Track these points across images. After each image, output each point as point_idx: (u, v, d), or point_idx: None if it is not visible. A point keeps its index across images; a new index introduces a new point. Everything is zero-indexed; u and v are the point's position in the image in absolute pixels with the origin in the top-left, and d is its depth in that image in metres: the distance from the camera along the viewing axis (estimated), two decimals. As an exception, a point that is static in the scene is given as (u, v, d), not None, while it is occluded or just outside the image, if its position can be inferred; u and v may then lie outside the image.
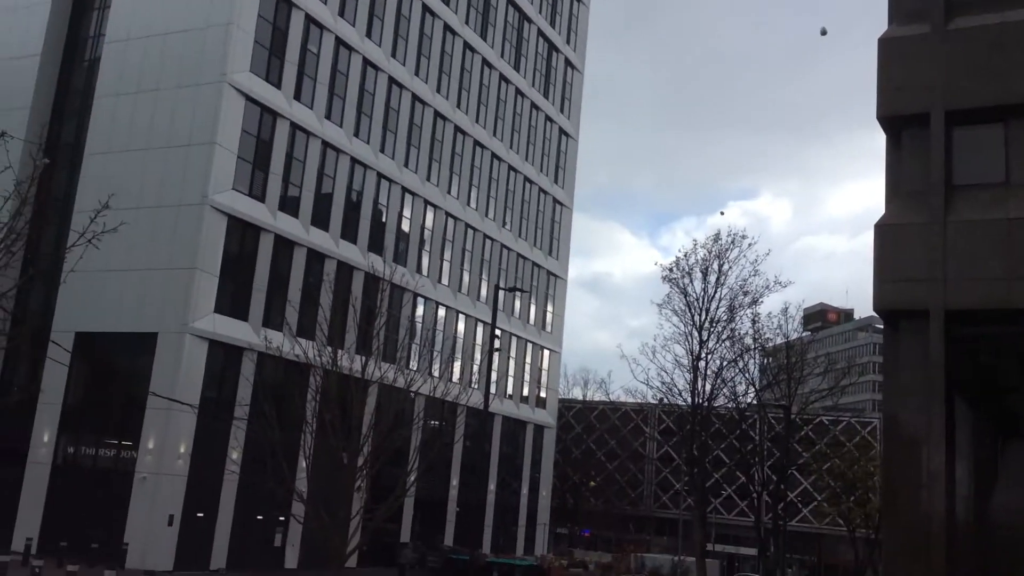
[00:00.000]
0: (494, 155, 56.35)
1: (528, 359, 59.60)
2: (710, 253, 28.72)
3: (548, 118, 62.46)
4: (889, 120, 16.40)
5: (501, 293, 55.01)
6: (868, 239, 15.32)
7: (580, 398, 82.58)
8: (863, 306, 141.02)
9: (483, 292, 54.34)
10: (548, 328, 62.21)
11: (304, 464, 23.88)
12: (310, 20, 41.61)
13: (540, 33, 61.31)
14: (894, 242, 15.24)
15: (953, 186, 15.33)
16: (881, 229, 15.51)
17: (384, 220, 46.94)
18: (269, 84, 39.48)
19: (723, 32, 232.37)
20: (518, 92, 58.88)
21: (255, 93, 38.45)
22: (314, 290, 38.77)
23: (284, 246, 40.09)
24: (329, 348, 20.85)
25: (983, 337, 15.11)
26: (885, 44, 16.47)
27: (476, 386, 42.90)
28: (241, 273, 38.16)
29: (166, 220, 36.85)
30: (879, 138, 18.18)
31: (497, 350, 46.06)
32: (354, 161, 44.46)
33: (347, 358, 21.56)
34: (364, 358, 20.96)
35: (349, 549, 19.74)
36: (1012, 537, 15.37)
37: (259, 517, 37.30)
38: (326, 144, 42.59)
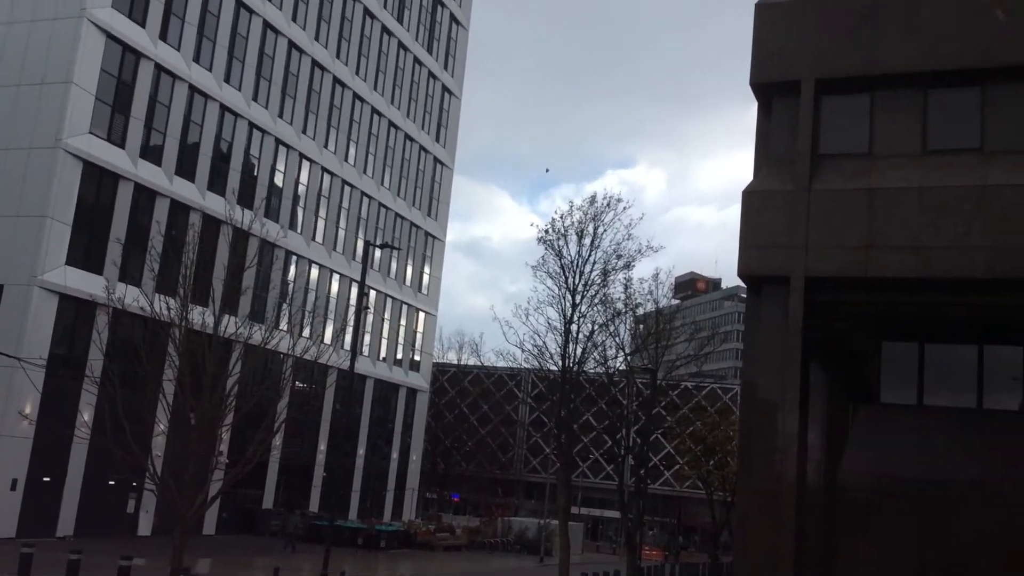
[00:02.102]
0: (374, 110, 54.98)
1: (403, 321, 58.88)
2: (585, 215, 28.67)
3: (431, 74, 61.35)
4: (761, 87, 16.46)
5: (377, 253, 54.02)
6: (737, 211, 15.36)
7: (455, 362, 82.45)
8: (731, 276, 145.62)
9: (359, 251, 53.19)
10: (424, 290, 61.56)
11: (162, 427, 22.69)
12: (179, -44, 39.32)
13: (425, -13, 59.99)
14: (760, 209, 15.33)
15: (820, 155, 15.50)
16: (748, 196, 15.58)
17: (256, 173, 45.16)
18: (132, 22, 37.16)
19: None
20: (401, 46, 57.53)
21: (116, 30, 36.12)
22: (177, 243, 36.93)
23: (145, 196, 38.02)
24: (178, 302, 19.69)
25: (841, 304, 15.41)
26: (761, 9, 16.47)
27: (348, 348, 41.98)
28: (97, 223, 36.00)
29: (16, 164, 34.40)
30: (753, 111, 18.46)
31: (366, 308, 45.21)
32: (224, 108, 42.47)
33: (206, 315, 20.41)
34: (216, 314, 19.83)
35: (195, 513, 18.78)
36: (859, 499, 15.84)
37: (111, 482, 35.58)
38: (194, 89, 40.49)
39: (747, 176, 16.49)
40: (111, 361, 20.68)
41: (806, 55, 15.73)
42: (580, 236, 28.40)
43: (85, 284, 34.56)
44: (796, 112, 15.66)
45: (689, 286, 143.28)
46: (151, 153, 38.51)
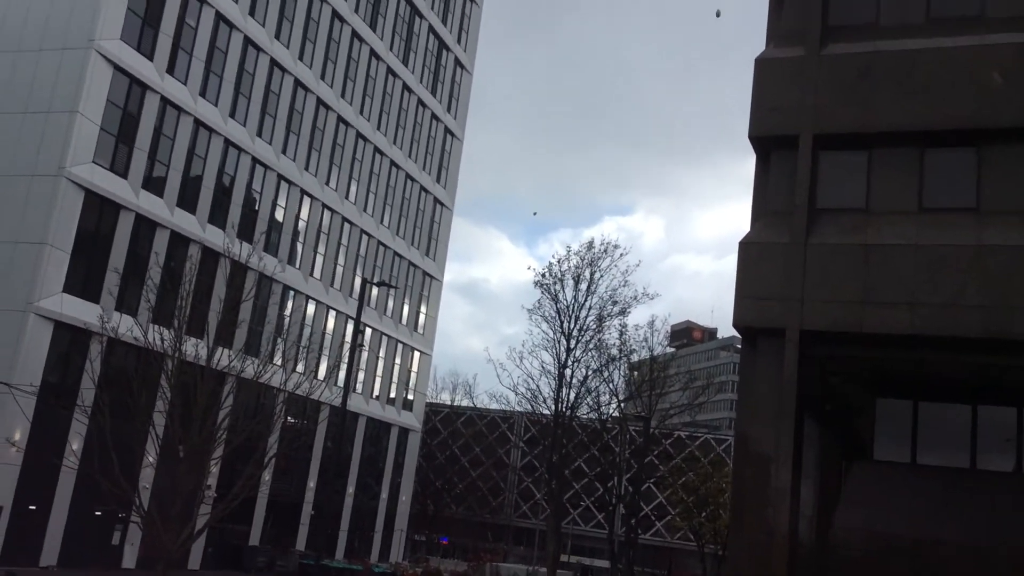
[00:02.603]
0: (377, 149, 55.35)
1: (398, 360, 58.71)
2: (583, 260, 28.84)
3: (434, 116, 61.86)
4: (760, 140, 16.62)
5: (374, 290, 54.05)
6: (734, 261, 15.42)
7: (448, 403, 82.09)
8: (727, 326, 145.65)
9: (356, 288, 53.19)
10: (420, 330, 61.48)
11: (151, 459, 22.53)
12: (190, -8, 39.82)
13: (431, 29, 60.70)
14: (756, 260, 15.40)
15: (816, 209, 15.61)
16: (745, 247, 15.66)
17: (257, 208, 45.32)
18: (141, 54, 37.52)
19: (612, 47, 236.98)
20: (405, 87, 58.08)
21: (124, 62, 36.46)
22: (175, 275, 36.95)
23: (146, 226, 38.10)
24: (172, 334, 19.65)
25: (835, 359, 15.40)
26: (761, 65, 16.68)
27: (342, 385, 41.81)
28: (96, 252, 36.02)
29: (17, 191, 34.51)
30: (751, 163, 18.63)
31: (361, 346, 45.06)
32: (228, 143, 42.74)
33: (200, 347, 20.37)
34: (210, 347, 19.80)
35: (180, 547, 18.59)
36: (851, 556, 15.70)
37: (97, 513, 35.20)
38: (199, 123, 40.78)
39: (744, 226, 16.61)
40: (103, 391, 20.61)
41: (805, 110, 15.90)
42: (577, 281, 28.60)
43: (81, 312, 34.48)
44: (794, 166, 15.80)
45: (685, 335, 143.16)
46: (153, 184, 38.67)
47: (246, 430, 20.94)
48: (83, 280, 35.35)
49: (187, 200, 40.40)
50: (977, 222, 14.96)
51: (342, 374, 44.92)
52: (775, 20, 17.53)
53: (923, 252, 14.64)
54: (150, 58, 37.99)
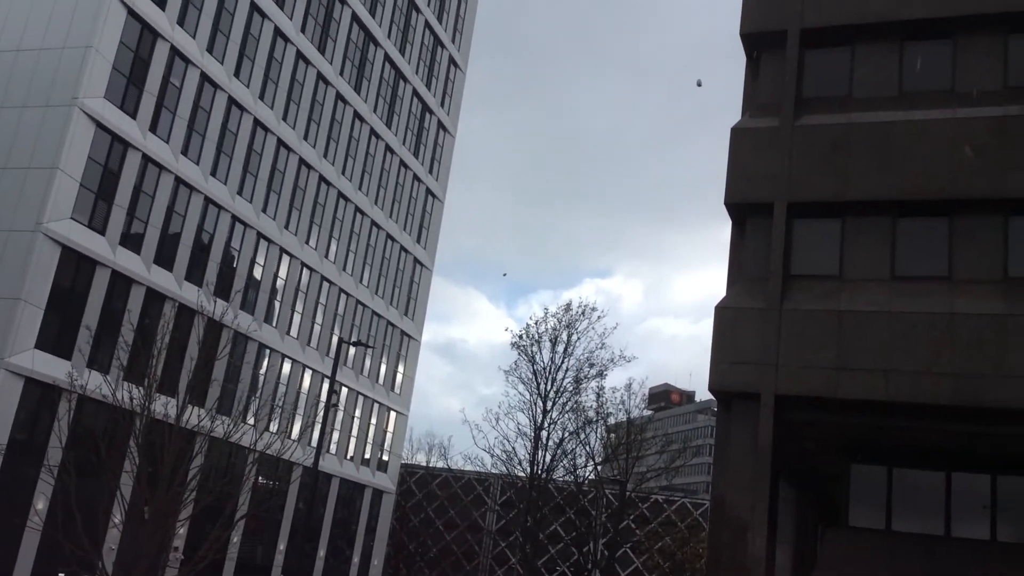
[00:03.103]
0: (358, 209, 55.57)
1: (374, 420, 58.16)
2: (560, 322, 28.92)
3: (416, 177, 62.32)
4: (735, 207, 16.87)
5: (351, 350, 53.74)
6: (711, 324, 15.52)
7: (424, 464, 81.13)
8: (705, 390, 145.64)
9: (333, 347, 52.88)
10: (397, 389, 61.05)
11: (116, 519, 22.06)
12: (175, 52, 40.19)
13: (415, 93, 61.48)
14: (732, 325, 15.51)
15: (791, 275, 15.79)
16: (721, 311, 15.78)
17: (235, 265, 45.19)
18: (124, 113, 37.71)
19: (594, 111, 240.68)
20: (388, 148, 58.58)
21: (107, 120, 36.61)
22: (150, 332, 36.63)
23: (122, 282, 37.86)
24: (141, 392, 19.42)
25: (810, 424, 15.44)
26: (737, 134, 17.02)
27: (314, 445, 41.33)
28: (71, 308, 35.68)
29: (-7, 244, 34.27)
30: (729, 228, 18.95)
31: (335, 406, 44.65)
32: (208, 200, 42.78)
33: (170, 406, 20.12)
34: (179, 405, 19.56)
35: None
36: (827, 625, 15.55)
37: (61, 575, 34.27)
38: (180, 180, 40.84)
39: (721, 291, 16.76)
40: (70, 450, 20.25)
41: (779, 179, 16.19)
42: (554, 343, 28.65)
43: (53, 368, 34.03)
44: (769, 232, 16.03)
45: (663, 397, 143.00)
46: (131, 241, 38.54)
47: (214, 491, 20.59)
48: (56, 336, 34.94)
49: (164, 257, 40.26)
50: (949, 290, 15.18)
51: (316, 434, 44.48)
52: (751, 91, 17.95)
53: (896, 319, 14.81)
54: (133, 116, 38.18)
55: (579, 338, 27.65)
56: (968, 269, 15.29)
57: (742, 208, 16.74)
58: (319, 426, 36.02)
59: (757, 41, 17.94)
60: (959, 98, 16.40)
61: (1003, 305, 14.64)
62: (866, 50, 17.20)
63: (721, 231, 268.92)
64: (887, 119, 16.28)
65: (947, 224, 15.71)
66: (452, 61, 66.57)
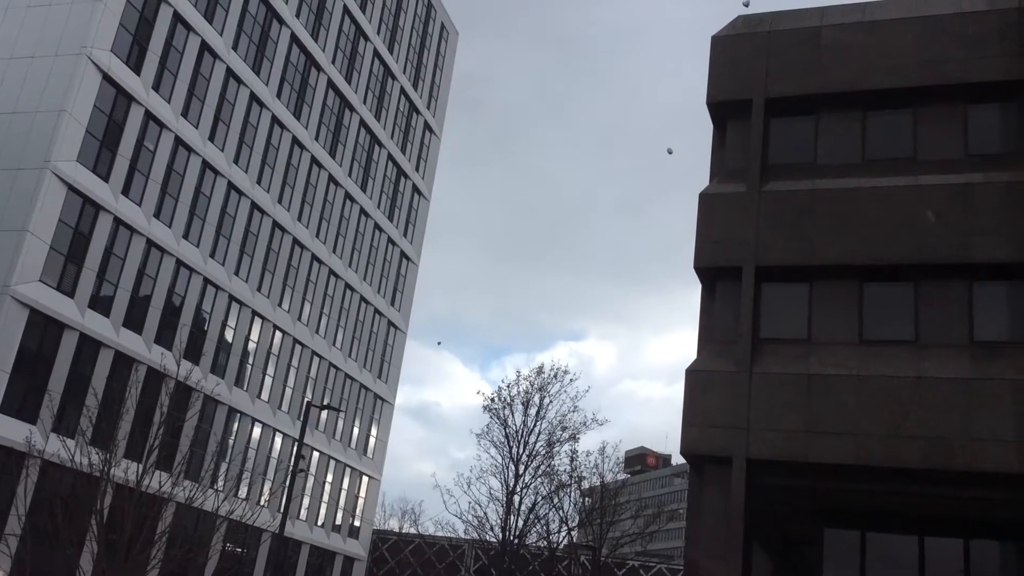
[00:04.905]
0: (332, 271, 55.50)
1: (345, 484, 57.29)
2: (532, 385, 28.82)
3: (391, 240, 62.48)
4: (705, 271, 17.04)
5: (323, 413, 53.16)
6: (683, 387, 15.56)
7: (397, 529, 79.76)
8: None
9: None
10: (370, 454, 60.30)
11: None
12: (150, 117, 40.35)
13: (390, 158, 62.00)
14: (703, 388, 15.54)
15: (760, 339, 15.90)
16: (691, 374, 15.82)
17: (206, 328, 44.82)
18: (96, 176, 37.66)
19: (567, 176, 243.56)
20: (363, 212, 58.79)
21: (79, 183, 36.53)
22: (117, 396, 36.08)
23: (89, 346, 37.40)
24: (101, 458, 19.04)
25: (782, 488, 15.40)
26: (705, 199, 17.27)
27: (284, 511, 40.59)
28: (37, 372, 35.15)
29: (-42, 307, 33.80)
30: (699, 291, 19.12)
31: (302, 471, 43.95)
32: (180, 264, 42.57)
33: (130, 471, 19.72)
34: (141, 470, 19.20)
35: None
36: None
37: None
38: (151, 243, 40.66)
39: (693, 354, 16.82)
40: (28, 518, 19.74)
41: (747, 243, 16.40)
42: (526, 406, 28.49)
43: (16, 433, 33.34)
44: (738, 296, 16.18)
45: (639, 460, 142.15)
46: (101, 304, 38.18)
47: (175, 559, 20.12)
48: (21, 400, 34.33)
49: (134, 320, 39.87)
50: (916, 354, 15.33)
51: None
52: (718, 157, 18.27)
53: (865, 383, 14.91)
54: (106, 179, 38.13)
55: (551, 401, 27.63)
56: (934, 334, 15.48)
57: (711, 272, 16.92)
58: (285, 492, 35.47)
59: (724, 109, 18.32)
60: (921, 165, 16.78)
61: (970, 369, 14.79)
62: (830, 118, 17.62)
63: (693, 295, 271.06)
64: (851, 185, 16.60)
65: (913, 289, 15.94)
66: (427, 127, 67.35)
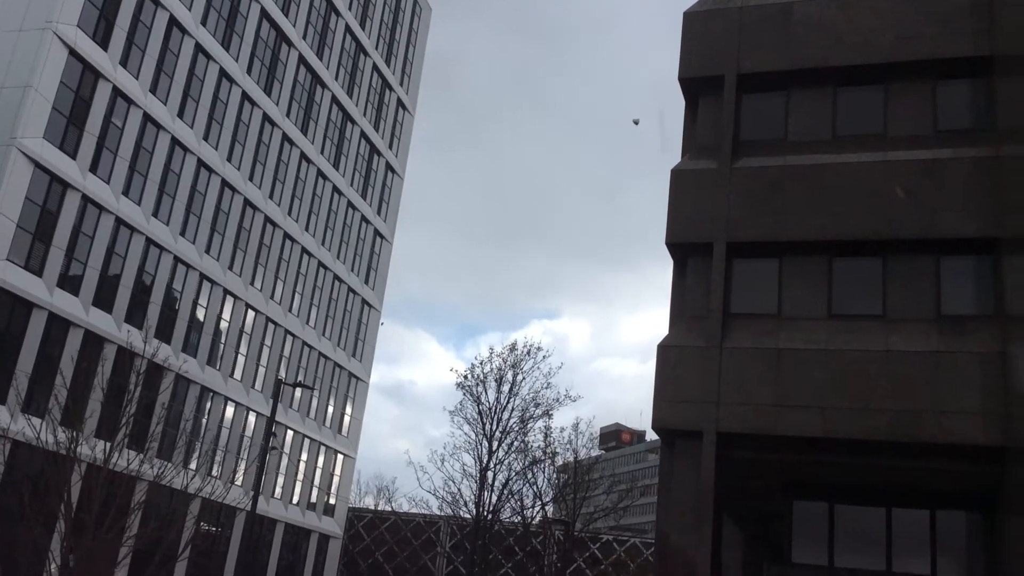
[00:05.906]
0: (305, 250, 55.15)
1: (320, 463, 57.25)
2: (505, 362, 28.86)
3: (364, 219, 62.13)
4: (676, 247, 17.09)
5: (297, 391, 53.00)
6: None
7: (372, 507, 79.97)
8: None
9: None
10: (344, 432, 60.25)
11: (54, 565, 21.31)
12: (118, 93, 39.74)
13: (363, 135, 61.51)
14: (674, 363, 15.63)
15: (731, 314, 16.00)
16: (663, 350, 15.90)
17: (177, 307, 44.45)
18: (64, 153, 37.11)
19: (537, 157, 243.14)
20: (335, 190, 58.38)
21: (46, 160, 35.98)
22: (88, 375, 35.76)
23: (59, 325, 36.99)
24: (65, 432, 18.91)
25: (752, 461, 15.56)
26: (677, 175, 17.29)
27: (260, 489, 40.52)
28: (5, 351, 34.76)
29: (-76, 287, 33.32)
30: (671, 268, 19.21)
31: (273, 449, 43.86)
32: (150, 242, 42.12)
33: (98, 450, 19.59)
34: (108, 448, 19.09)
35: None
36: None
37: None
38: (120, 221, 40.18)
39: (666, 331, 16.89)
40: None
41: (718, 220, 16.46)
42: (499, 383, 28.53)
43: (-15, 414, 32.99)
44: (709, 272, 16.25)
45: (614, 437, 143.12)
46: (69, 283, 37.73)
47: (144, 537, 20.04)
48: (-10, 380, 33.94)
49: (104, 299, 39.45)
50: (884, 328, 15.48)
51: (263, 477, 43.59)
52: (690, 134, 18.29)
53: (833, 357, 15.06)
54: (73, 157, 37.58)
55: (524, 378, 27.73)
56: (902, 308, 15.64)
57: (683, 248, 16.98)
58: (257, 470, 35.43)
59: (696, 86, 18.32)
60: (890, 141, 16.88)
61: (937, 342, 14.97)
62: (801, 94, 17.66)
63: (665, 273, 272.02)
64: (821, 161, 16.68)
65: (881, 264, 16.08)
66: (400, 104, 66.85)
